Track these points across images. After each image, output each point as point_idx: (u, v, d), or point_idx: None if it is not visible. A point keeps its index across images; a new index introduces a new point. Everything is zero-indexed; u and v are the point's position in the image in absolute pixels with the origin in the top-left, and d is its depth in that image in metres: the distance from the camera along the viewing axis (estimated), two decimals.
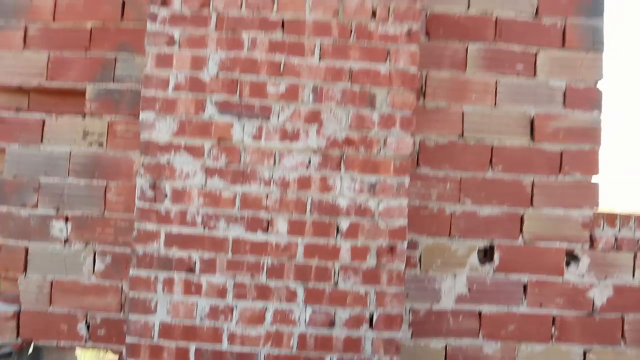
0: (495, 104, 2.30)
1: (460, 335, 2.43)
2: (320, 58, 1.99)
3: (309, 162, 2.01)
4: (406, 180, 2.03)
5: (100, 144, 2.56)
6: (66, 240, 2.59)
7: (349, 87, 1.99)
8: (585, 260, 2.33)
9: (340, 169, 2.02)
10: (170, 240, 2.00)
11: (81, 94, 2.46)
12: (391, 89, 1.98)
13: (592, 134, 2.30)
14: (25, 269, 2.60)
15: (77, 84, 2.45)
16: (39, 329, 2.57)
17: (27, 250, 2.60)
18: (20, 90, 2.54)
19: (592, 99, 2.31)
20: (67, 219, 2.58)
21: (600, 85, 2.34)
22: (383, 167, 2.02)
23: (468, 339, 2.43)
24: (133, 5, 2.36)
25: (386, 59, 1.98)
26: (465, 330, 2.43)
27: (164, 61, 2.02)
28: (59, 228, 2.59)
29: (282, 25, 2.02)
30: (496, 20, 2.30)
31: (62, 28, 2.43)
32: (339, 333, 1.98)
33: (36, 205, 2.60)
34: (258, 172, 2.01)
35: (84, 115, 2.47)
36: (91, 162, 2.57)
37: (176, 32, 2.01)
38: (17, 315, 2.58)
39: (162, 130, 2.01)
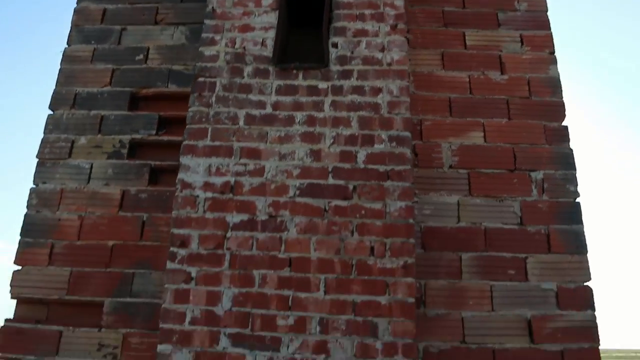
0: (492, 308, 2.43)
1: None
2: (325, 292, 2.16)
3: None
4: None
5: (115, 357, 2.65)
6: None
7: (353, 318, 2.14)
8: None
9: None
10: None
11: (99, 306, 2.60)
12: (392, 319, 2.12)
13: (589, 333, 2.38)
14: None
15: (95, 298, 2.60)
16: None
17: None
18: (40, 302, 2.68)
19: (583, 299, 2.43)
20: None
21: (589, 284, 2.48)
22: None
23: None
24: (151, 226, 2.59)
25: (385, 291, 2.15)
26: None
27: (182, 297, 2.18)
28: None
29: (290, 264, 2.21)
30: (485, 231, 2.51)
31: (86, 245, 2.63)
32: None
33: None
34: None
35: (100, 328, 2.58)
36: None
37: (193, 271, 2.20)
38: None
39: None
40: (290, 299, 2.15)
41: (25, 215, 2.75)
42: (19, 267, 2.69)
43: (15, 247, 2.74)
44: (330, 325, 2.12)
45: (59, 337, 2.68)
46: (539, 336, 2.40)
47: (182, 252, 2.21)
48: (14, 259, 2.70)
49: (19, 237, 2.72)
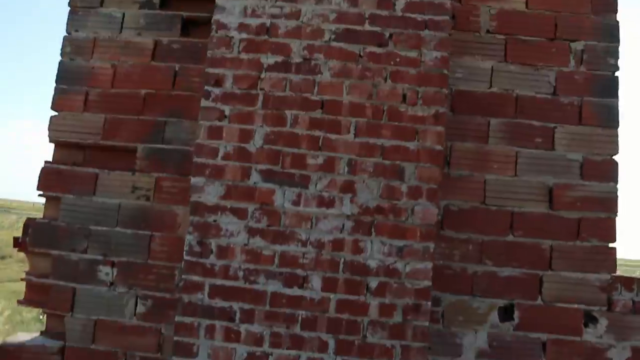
0: (515, 173, 2.47)
1: None
2: (355, 135, 2.21)
3: (343, 226, 2.21)
4: (431, 245, 2.21)
5: (148, 198, 2.78)
6: (111, 284, 2.79)
7: (381, 161, 2.20)
8: (603, 322, 2.42)
9: (371, 234, 2.21)
10: (214, 291, 2.19)
11: (132, 152, 2.69)
12: (419, 164, 2.18)
13: (608, 203, 2.44)
14: (72, 309, 2.80)
15: (128, 143, 2.68)
16: None
17: (74, 292, 2.81)
18: (77, 146, 2.78)
19: (608, 171, 2.46)
20: (113, 264, 2.79)
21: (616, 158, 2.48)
22: (410, 233, 2.21)
23: None
24: (184, 76, 2.62)
25: (415, 138, 2.19)
26: None
27: (215, 133, 2.26)
28: (105, 272, 2.79)
29: (322, 106, 2.25)
30: (516, 98, 2.50)
31: (119, 93, 2.69)
32: None
33: (85, 251, 2.82)
34: (296, 233, 2.21)
35: (133, 172, 2.69)
36: (138, 214, 2.79)
37: (226, 109, 2.26)
38: (62, 351, 2.76)
39: (210, 193, 2.23)
40: (321, 139, 2.22)
41: (60, 63, 2.77)
42: (56, 113, 2.76)
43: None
44: (358, 166, 2.20)
45: (95, 179, 2.81)
46: (558, 203, 2.45)
47: (216, 90, 2.26)
48: (50, 104, 2.78)
49: (55, 85, 2.78)
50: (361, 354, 2.15)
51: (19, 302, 2.95)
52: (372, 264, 2.19)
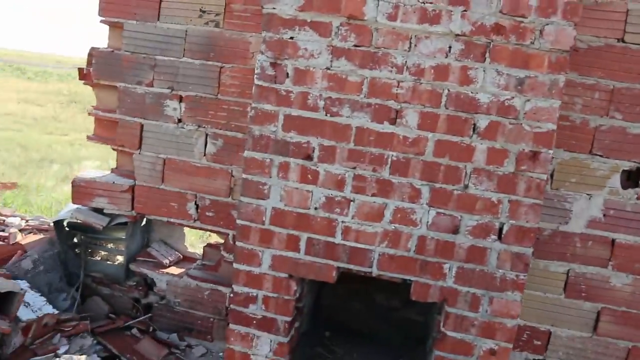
0: None
1: (586, 263, 2.20)
2: None
3: (449, 49, 1.77)
4: (561, 78, 1.74)
5: (217, 24, 2.43)
6: (179, 120, 2.55)
7: None
8: None
9: (484, 60, 1.76)
10: (289, 123, 1.86)
11: None
12: None
13: None
14: (139, 146, 2.62)
15: None
16: (151, 204, 2.62)
17: (141, 127, 2.60)
18: None
19: None
20: (181, 99, 2.53)
21: None
22: (535, 62, 1.73)
23: (595, 267, 2.19)
24: None
25: None
26: (593, 257, 2.19)
27: None
28: (172, 107, 2.55)
29: None
30: None
31: None
32: (463, 241, 1.81)
33: (151, 84, 2.57)
34: (390, 56, 1.79)
35: None
36: (207, 42, 2.46)
37: None
38: (132, 189, 2.63)
39: (287, 2, 1.82)
40: None
41: None
42: None
43: None
44: None
45: (159, 2, 2.49)
46: None
47: None
48: None
49: None
50: (459, 206, 1.80)
51: (88, 137, 2.82)
52: (483, 98, 1.77)
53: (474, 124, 1.78)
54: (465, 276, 1.82)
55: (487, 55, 1.75)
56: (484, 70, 1.76)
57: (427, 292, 1.85)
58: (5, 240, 2.82)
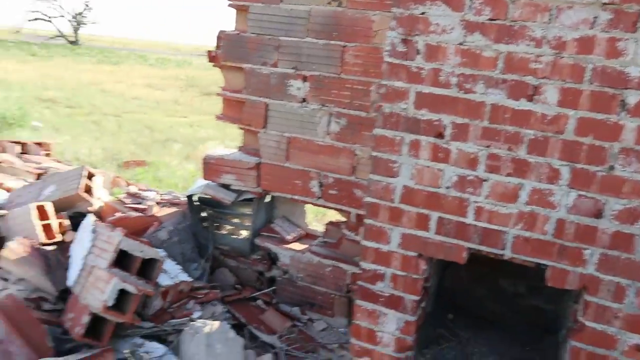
0: None
1: None
2: None
3: (595, 19, 1.64)
4: None
5: (340, 3, 2.44)
6: (303, 100, 2.61)
7: None
8: None
9: (635, 30, 1.61)
10: (420, 100, 1.83)
11: None
12: None
13: None
14: (265, 124, 2.72)
15: None
16: (276, 181, 2.71)
17: (267, 107, 2.70)
18: None
19: None
20: (305, 79, 2.59)
21: None
22: None
23: None
24: None
25: None
26: None
27: None
28: (297, 87, 2.61)
29: None
30: None
31: None
32: (607, 226, 1.69)
33: (276, 64, 2.65)
34: (528, 29, 1.70)
35: None
36: (330, 21, 2.49)
37: None
38: (258, 167, 2.75)
39: None
40: None
41: None
42: None
43: None
44: None
45: None
46: None
47: None
48: None
49: None
50: (603, 189, 1.68)
51: (217, 117, 2.97)
52: (634, 72, 1.62)
53: (622, 100, 1.64)
54: (608, 264, 1.70)
55: (639, 24, 1.60)
56: (635, 42, 1.61)
57: (564, 278, 1.75)
58: (144, 212, 3.06)
